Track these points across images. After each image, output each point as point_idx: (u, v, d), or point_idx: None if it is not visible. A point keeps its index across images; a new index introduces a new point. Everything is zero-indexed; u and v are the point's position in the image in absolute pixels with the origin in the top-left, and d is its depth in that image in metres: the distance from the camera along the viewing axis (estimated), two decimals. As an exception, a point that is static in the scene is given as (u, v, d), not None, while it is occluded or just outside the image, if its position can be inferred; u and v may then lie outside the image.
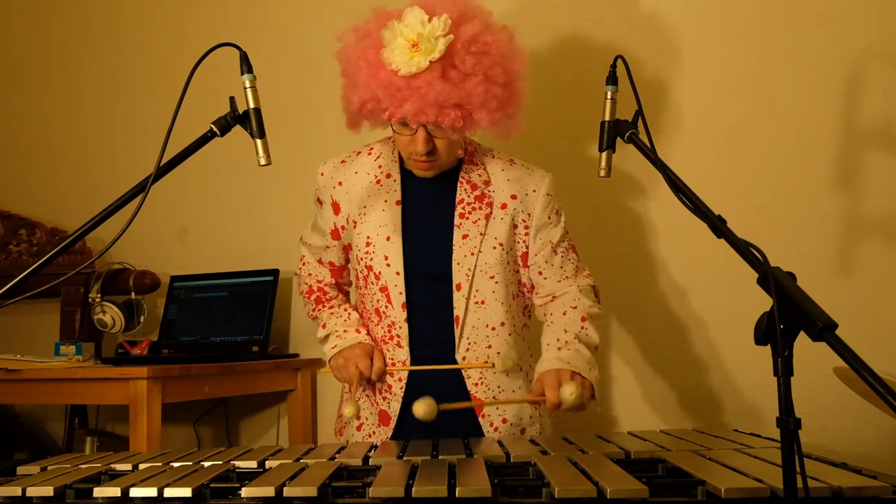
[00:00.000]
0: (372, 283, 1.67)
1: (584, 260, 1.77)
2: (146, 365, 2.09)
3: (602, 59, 1.57)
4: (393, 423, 1.65)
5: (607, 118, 1.45)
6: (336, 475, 1.15)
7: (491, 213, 1.66)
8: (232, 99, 1.40)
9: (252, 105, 1.39)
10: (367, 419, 1.71)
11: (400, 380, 1.65)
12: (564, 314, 1.67)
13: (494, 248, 1.64)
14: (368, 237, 1.66)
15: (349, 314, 1.74)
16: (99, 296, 2.65)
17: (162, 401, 2.08)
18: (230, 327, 2.54)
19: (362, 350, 1.63)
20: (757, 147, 2.10)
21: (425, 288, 1.64)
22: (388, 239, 1.64)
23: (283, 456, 1.31)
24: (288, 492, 1.05)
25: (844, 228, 2.00)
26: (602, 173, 1.46)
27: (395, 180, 1.69)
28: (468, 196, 1.67)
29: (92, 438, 2.59)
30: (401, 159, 1.69)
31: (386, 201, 1.67)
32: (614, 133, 1.44)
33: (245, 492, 1.06)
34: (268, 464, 1.25)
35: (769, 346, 0.93)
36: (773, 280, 0.94)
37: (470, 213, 1.65)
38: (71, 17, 3.10)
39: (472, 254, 1.63)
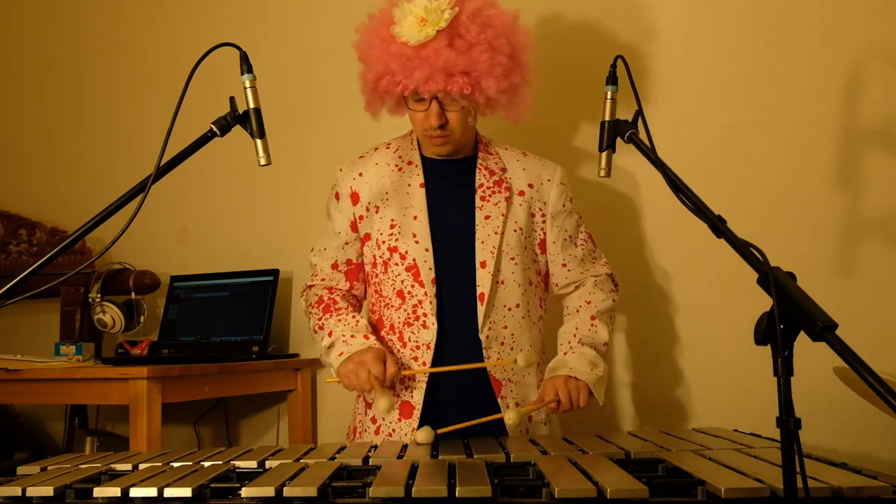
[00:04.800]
0: (396, 264, 1.68)
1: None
2: (146, 365, 2.10)
3: (602, 58, 1.57)
4: (417, 414, 1.64)
5: (607, 118, 1.46)
6: (336, 475, 1.15)
7: (510, 197, 1.73)
8: (232, 99, 1.40)
9: (252, 105, 1.39)
10: (384, 418, 1.69)
11: (424, 363, 1.64)
12: (578, 311, 1.77)
13: (515, 231, 1.71)
14: (393, 219, 1.69)
15: (357, 321, 1.69)
16: (99, 296, 2.65)
17: (162, 401, 2.08)
18: (230, 327, 2.54)
19: (374, 354, 1.58)
20: (757, 147, 2.10)
21: (450, 267, 1.67)
22: (415, 218, 1.68)
23: (283, 456, 1.31)
24: (288, 492, 1.05)
25: (844, 228, 2.00)
26: (602, 173, 1.46)
27: (416, 166, 1.74)
28: (487, 181, 1.73)
29: (92, 438, 2.59)
30: (419, 147, 1.76)
31: (410, 185, 1.72)
32: (614, 133, 1.44)
33: (245, 492, 1.06)
34: (268, 464, 1.25)
35: (769, 345, 0.93)
36: (773, 280, 0.94)
37: (490, 196, 1.72)
38: (71, 17, 3.11)
39: (496, 233, 1.68)
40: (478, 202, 1.70)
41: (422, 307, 1.65)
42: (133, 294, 2.67)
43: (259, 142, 1.39)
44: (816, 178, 2.03)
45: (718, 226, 1.13)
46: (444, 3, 1.55)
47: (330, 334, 1.68)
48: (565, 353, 1.70)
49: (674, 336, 2.16)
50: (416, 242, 1.67)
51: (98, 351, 2.66)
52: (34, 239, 2.96)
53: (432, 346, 1.64)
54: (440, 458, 1.26)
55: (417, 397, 1.65)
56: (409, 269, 1.66)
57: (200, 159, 1.42)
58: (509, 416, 1.54)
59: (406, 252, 1.67)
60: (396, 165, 1.75)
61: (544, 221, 1.76)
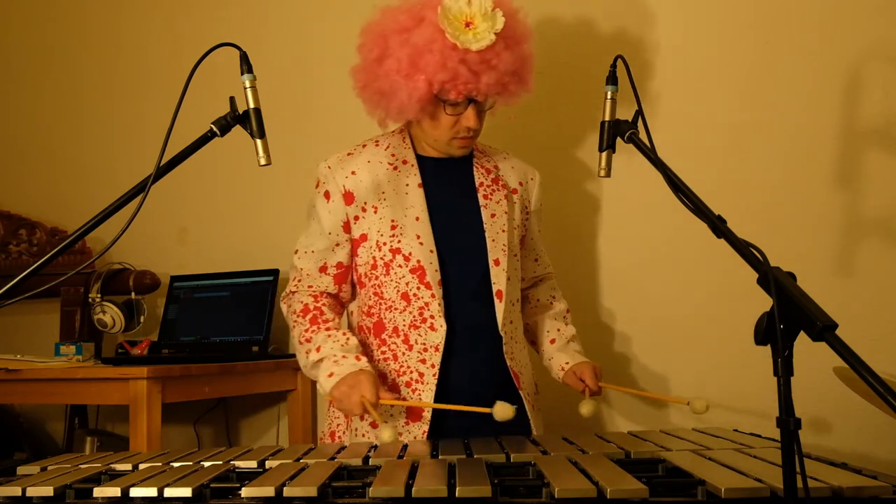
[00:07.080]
0: (399, 266, 1.64)
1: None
2: (146, 365, 2.09)
3: (601, 59, 1.57)
4: (428, 416, 1.60)
5: (607, 118, 1.45)
6: (336, 475, 1.15)
7: (508, 195, 1.76)
8: (232, 99, 1.39)
9: (252, 105, 1.39)
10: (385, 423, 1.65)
11: (433, 366, 1.61)
12: (551, 304, 1.88)
13: (515, 228, 1.76)
14: (394, 220, 1.65)
15: (347, 339, 1.62)
16: (99, 296, 2.65)
17: (162, 401, 2.08)
18: (230, 327, 2.54)
19: (368, 379, 1.51)
20: (757, 147, 2.10)
21: (460, 265, 1.67)
22: (416, 219, 1.65)
23: (283, 456, 1.31)
24: (288, 492, 1.05)
25: (844, 228, 2.00)
26: (602, 173, 1.46)
27: (412, 165, 1.71)
28: (486, 179, 1.75)
29: (92, 438, 2.59)
30: (413, 146, 1.74)
31: (408, 185, 1.69)
32: (614, 133, 1.44)
33: (245, 492, 1.06)
34: (268, 464, 1.25)
35: (769, 345, 0.93)
36: (773, 280, 0.94)
37: (491, 194, 1.74)
38: (70, 17, 3.10)
39: (503, 231, 1.71)
40: (481, 200, 1.72)
41: (429, 309, 1.62)
42: (133, 294, 2.67)
43: (259, 142, 1.39)
44: (816, 178, 2.03)
45: (718, 226, 1.13)
46: (487, 4, 1.54)
47: (318, 349, 1.61)
48: (569, 342, 1.83)
49: (674, 336, 2.16)
50: (421, 244, 1.63)
51: (98, 351, 2.66)
52: (34, 239, 2.96)
53: (441, 347, 1.62)
54: (440, 458, 1.26)
55: (427, 397, 1.60)
56: (414, 272, 1.63)
57: (200, 159, 1.42)
58: (586, 408, 1.68)
59: (410, 254, 1.63)
60: (391, 164, 1.70)
61: (527, 219, 1.82)
